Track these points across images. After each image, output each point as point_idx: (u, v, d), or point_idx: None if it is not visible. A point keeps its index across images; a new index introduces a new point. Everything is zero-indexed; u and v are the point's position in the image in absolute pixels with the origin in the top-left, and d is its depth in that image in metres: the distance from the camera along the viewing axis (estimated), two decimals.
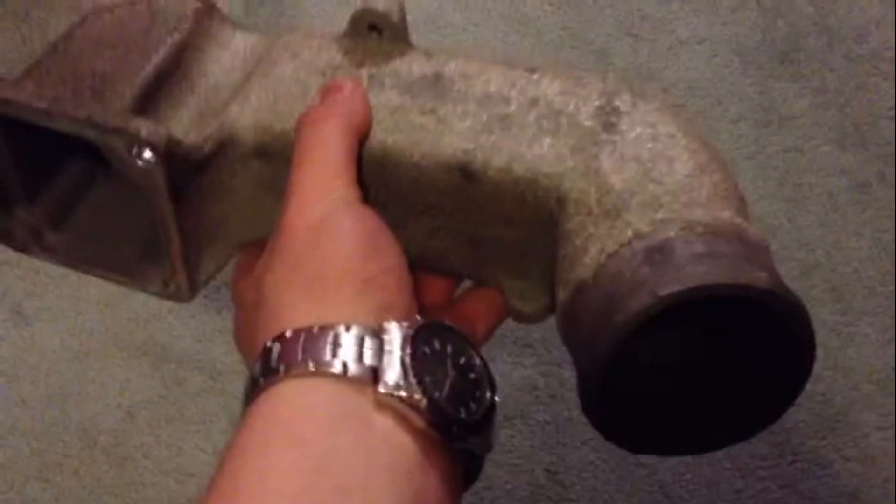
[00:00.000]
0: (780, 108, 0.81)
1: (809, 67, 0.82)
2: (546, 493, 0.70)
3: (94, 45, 0.42)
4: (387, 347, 0.31)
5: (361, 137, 0.38)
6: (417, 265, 0.43)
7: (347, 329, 0.31)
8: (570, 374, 0.73)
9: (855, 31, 0.83)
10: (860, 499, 0.68)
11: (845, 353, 0.71)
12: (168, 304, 0.80)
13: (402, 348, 0.31)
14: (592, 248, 0.34)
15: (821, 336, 0.75)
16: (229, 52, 0.43)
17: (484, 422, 0.33)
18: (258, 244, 0.38)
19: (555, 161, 0.37)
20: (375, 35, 0.41)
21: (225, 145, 0.40)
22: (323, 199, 0.35)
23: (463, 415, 0.32)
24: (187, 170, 0.39)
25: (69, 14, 0.99)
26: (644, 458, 0.69)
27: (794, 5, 0.85)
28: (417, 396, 0.30)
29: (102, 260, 0.44)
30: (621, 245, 0.33)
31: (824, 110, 0.80)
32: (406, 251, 0.39)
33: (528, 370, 0.73)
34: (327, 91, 0.39)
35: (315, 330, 0.31)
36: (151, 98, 0.41)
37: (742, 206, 0.36)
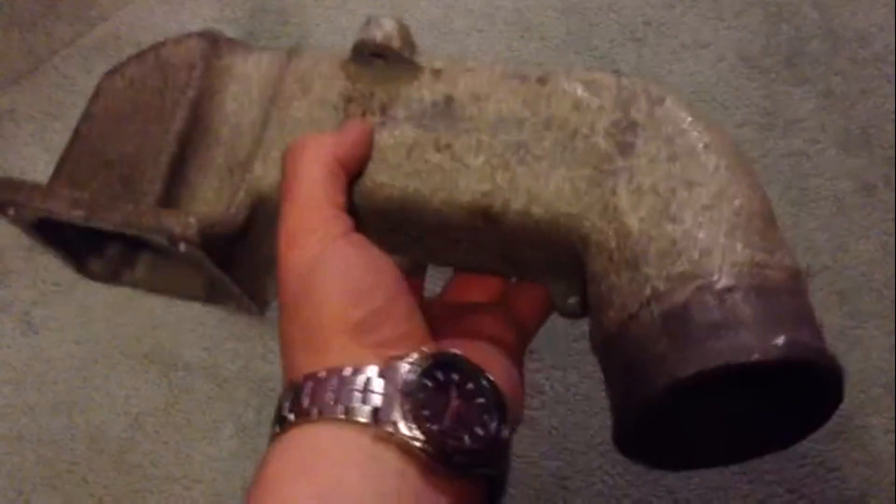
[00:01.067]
0: (785, 112, 0.81)
1: (814, 71, 0.82)
2: (553, 499, 0.70)
3: (114, 123, 0.43)
4: (388, 386, 0.32)
5: (347, 163, 0.38)
6: (462, 271, 0.45)
7: (353, 373, 0.32)
8: (576, 379, 0.73)
9: (859, 34, 0.83)
10: (867, 502, 0.68)
11: (852, 357, 0.71)
12: (174, 311, 0.80)
13: (400, 386, 0.32)
14: (616, 300, 0.35)
15: (827, 340, 0.75)
16: (243, 84, 0.43)
17: (492, 445, 0.33)
18: None
19: (573, 198, 0.37)
20: (381, 61, 0.41)
21: (255, 206, 0.40)
22: (307, 241, 0.35)
23: (467, 442, 0.32)
24: (226, 240, 0.40)
25: (74, 24, 1.00)
26: None
27: (799, 9, 0.85)
28: (414, 433, 0.31)
29: (179, 287, 0.47)
30: (641, 305, 0.34)
31: (829, 114, 0.80)
32: (448, 264, 0.41)
33: (534, 375, 0.73)
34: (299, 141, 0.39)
35: (322, 374, 0.33)
36: (179, 169, 0.42)
37: (766, 223, 0.35)
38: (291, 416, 0.32)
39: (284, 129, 0.41)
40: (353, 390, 0.32)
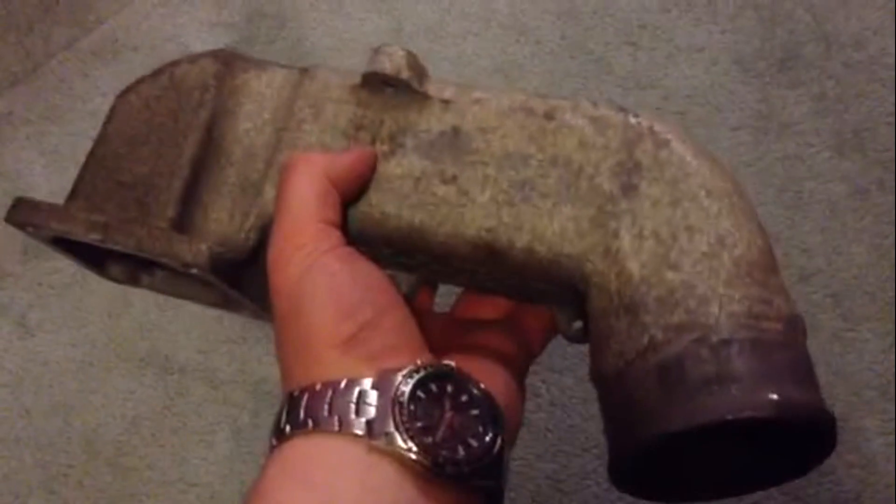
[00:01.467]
0: (780, 116, 0.81)
1: (808, 74, 0.82)
2: (548, 501, 0.70)
3: (129, 144, 0.44)
4: (381, 398, 0.32)
5: (340, 183, 0.38)
6: (468, 290, 0.46)
7: (347, 385, 0.33)
8: (572, 382, 0.73)
9: (853, 38, 0.83)
10: None
11: (846, 360, 0.71)
12: (170, 314, 0.80)
13: (394, 398, 0.32)
14: (614, 344, 0.35)
15: (821, 342, 0.75)
16: (257, 104, 0.44)
17: (487, 457, 0.33)
18: None
19: (576, 238, 0.37)
20: (391, 90, 0.41)
21: (266, 229, 0.41)
22: (295, 256, 0.36)
23: (461, 453, 0.32)
24: (237, 265, 0.41)
25: (72, 28, 1.00)
26: None
27: (793, 13, 0.85)
28: (408, 444, 0.31)
29: (196, 294, 0.48)
30: (638, 354, 0.34)
31: (823, 117, 0.81)
32: (456, 285, 0.42)
33: (530, 378, 0.73)
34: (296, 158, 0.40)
35: (317, 387, 0.33)
36: (192, 190, 0.42)
37: (765, 271, 0.35)
38: (288, 429, 0.33)
39: (295, 153, 0.41)
40: (347, 402, 0.32)
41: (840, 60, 0.83)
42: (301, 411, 0.33)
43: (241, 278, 0.42)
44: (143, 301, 0.80)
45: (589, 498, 0.70)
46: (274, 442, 0.34)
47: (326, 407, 0.32)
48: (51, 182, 0.87)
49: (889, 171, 0.78)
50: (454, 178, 0.39)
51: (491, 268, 0.39)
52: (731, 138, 0.80)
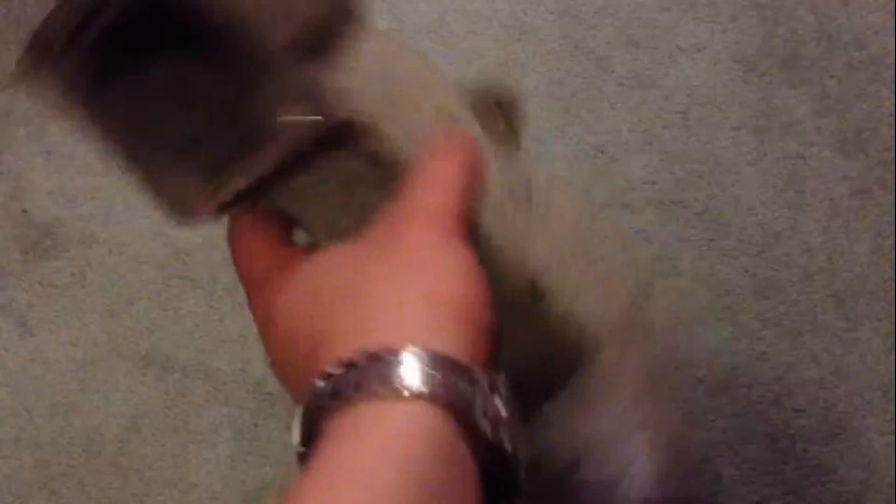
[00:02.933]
0: (781, 115, 0.81)
1: (810, 74, 0.82)
2: None
3: None
4: (497, 397, 0.32)
5: (477, 190, 0.38)
6: None
7: (400, 353, 0.32)
8: None
9: (855, 37, 0.83)
10: None
11: (848, 360, 0.71)
12: (171, 314, 0.80)
13: (505, 399, 0.32)
14: None
15: (824, 342, 0.75)
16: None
17: (515, 425, 0.33)
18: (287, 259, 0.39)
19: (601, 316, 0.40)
20: (497, 111, 0.42)
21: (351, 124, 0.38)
22: (444, 225, 0.35)
23: (499, 411, 0.32)
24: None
25: None
26: None
27: (794, 13, 0.85)
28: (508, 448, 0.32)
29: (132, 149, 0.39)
30: None
31: (825, 117, 0.80)
32: None
33: None
34: (454, 136, 0.39)
35: (376, 352, 0.32)
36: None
37: None
38: (349, 392, 0.31)
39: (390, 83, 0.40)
40: (397, 370, 0.31)
41: (842, 60, 0.83)
42: (363, 376, 0.31)
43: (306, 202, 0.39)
44: (143, 300, 0.80)
45: None
46: (331, 407, 0.31)
47: (380, 375, 0.31)
48: (51, 181, 0.87)
49: (891, 171, 0.78)
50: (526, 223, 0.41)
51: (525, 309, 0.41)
52: (733, 137, 0.80)
